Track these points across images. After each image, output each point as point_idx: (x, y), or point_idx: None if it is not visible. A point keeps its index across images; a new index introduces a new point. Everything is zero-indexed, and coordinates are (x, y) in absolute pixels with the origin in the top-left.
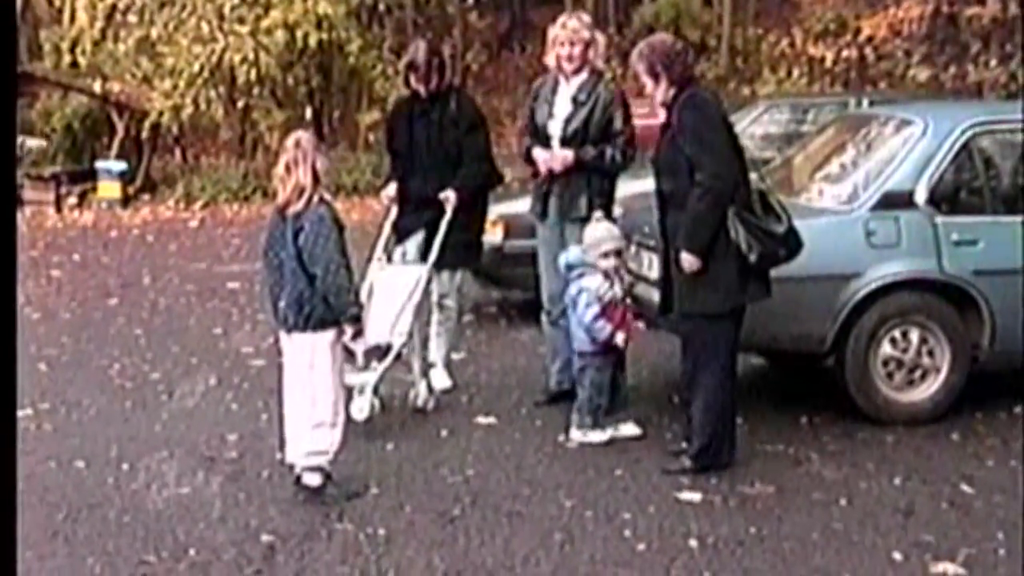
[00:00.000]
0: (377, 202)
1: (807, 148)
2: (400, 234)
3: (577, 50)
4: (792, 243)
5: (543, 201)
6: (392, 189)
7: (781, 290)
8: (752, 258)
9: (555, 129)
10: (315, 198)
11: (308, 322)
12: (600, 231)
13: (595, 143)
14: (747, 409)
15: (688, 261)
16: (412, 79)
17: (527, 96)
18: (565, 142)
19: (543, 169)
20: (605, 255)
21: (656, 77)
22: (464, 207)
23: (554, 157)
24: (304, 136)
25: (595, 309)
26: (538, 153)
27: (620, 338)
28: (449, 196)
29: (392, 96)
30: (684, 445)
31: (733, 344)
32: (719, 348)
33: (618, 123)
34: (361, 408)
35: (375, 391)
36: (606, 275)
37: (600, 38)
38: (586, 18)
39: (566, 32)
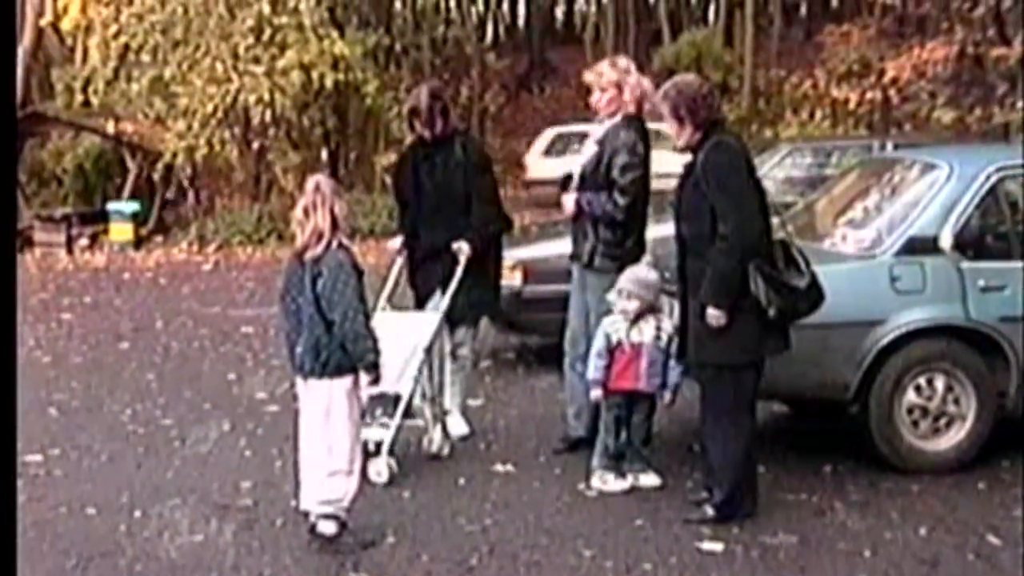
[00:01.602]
0: None
1: (830, 192)
2: (420, 291)
3: (606, 96)
4: (813, 297)
5: (573, 243)
6: (398, 241)
7: (804, 337)
8: (771, 312)
9: (576, 173)
10: (334, 243)
11: (325, 368)
12: (626, 272)
13: (598, 190)
14: (770, 458)
15: (714, 316)
16: (416, 124)
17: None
18: (580, 186)
19: (564, 211)
20: (619, 294)
21: (680, 120)
22: (477, 256)
23: (563, 201)
24: (323, 180)
25: (599, 345)
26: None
27: (620, 383)
28: (462, 247)
29: (408, 138)
30: (705, 494)
31: (751, 395)
32: (736, 399)
33: (615, 172)
34: (379, 472)
35: (391, 451)
36: (625, 316)
37: (633, 82)
38: (623, 62)
39: (598, 80)
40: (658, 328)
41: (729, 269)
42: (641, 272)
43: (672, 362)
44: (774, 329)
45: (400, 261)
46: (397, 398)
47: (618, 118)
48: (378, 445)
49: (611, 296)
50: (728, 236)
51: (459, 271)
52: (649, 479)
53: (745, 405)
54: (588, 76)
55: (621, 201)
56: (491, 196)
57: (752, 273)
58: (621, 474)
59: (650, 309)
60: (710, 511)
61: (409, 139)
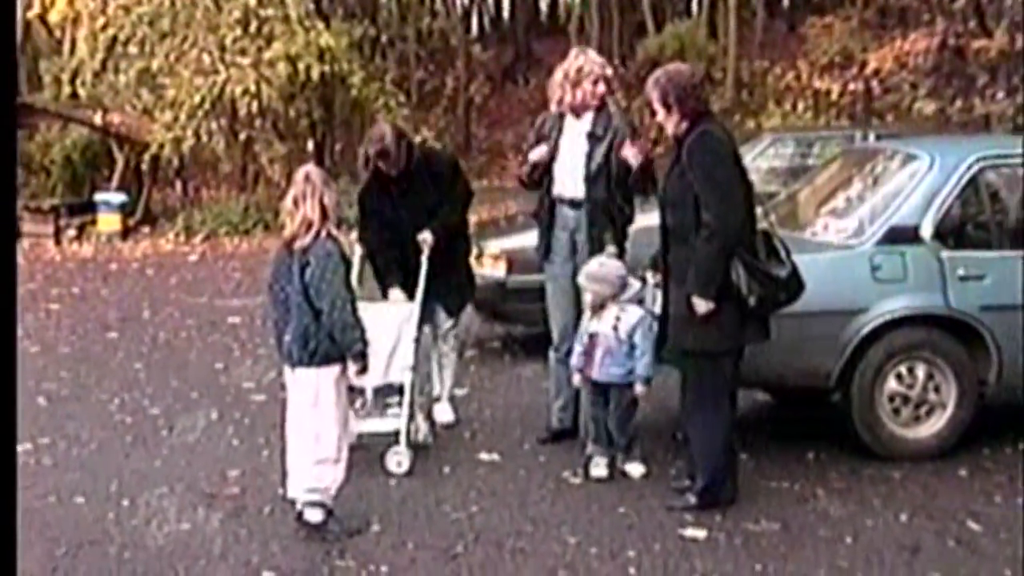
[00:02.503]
0: None
1: (812, 182)
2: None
3: (601, 87)
4: (793, 287)
5: (549, 239)
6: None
7: (786, 326)
8: (751, 301)
9: (571, 166)
10: (323, 233)
11: (313, 357)
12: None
13: (617, 176)
14: (752, 445)
15: (700, 305)
16: (382, 165)
17: (531, 128)
18: (589, 178)
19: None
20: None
21: (668, 108)
22: (447, 247)
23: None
24: (313, 170)
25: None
26: (558, 172)
27: (584, 372)
28: (427, 238)
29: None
30: (688, 482)
31: (731, 383)
32: (715, 387)
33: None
34: (400, 462)
35: (408, 441)
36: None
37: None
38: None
39: (599, 69)
40: (617, 318)
41: (713, 258)
42: (592, 266)
43: (638, 351)
44: (754, 318)
45: (360, 250)
46: (401, 389)
47: (595, 109)
48: (396, 435)
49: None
50: (709, 224)
51: (424, 261)
52: (634, 468)
53: (724, 393)
54: (586, 66)
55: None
56: (464, 198)
57: (733, 262)
58: (610, 461)
59: (612, 299)
60: (692, 499)
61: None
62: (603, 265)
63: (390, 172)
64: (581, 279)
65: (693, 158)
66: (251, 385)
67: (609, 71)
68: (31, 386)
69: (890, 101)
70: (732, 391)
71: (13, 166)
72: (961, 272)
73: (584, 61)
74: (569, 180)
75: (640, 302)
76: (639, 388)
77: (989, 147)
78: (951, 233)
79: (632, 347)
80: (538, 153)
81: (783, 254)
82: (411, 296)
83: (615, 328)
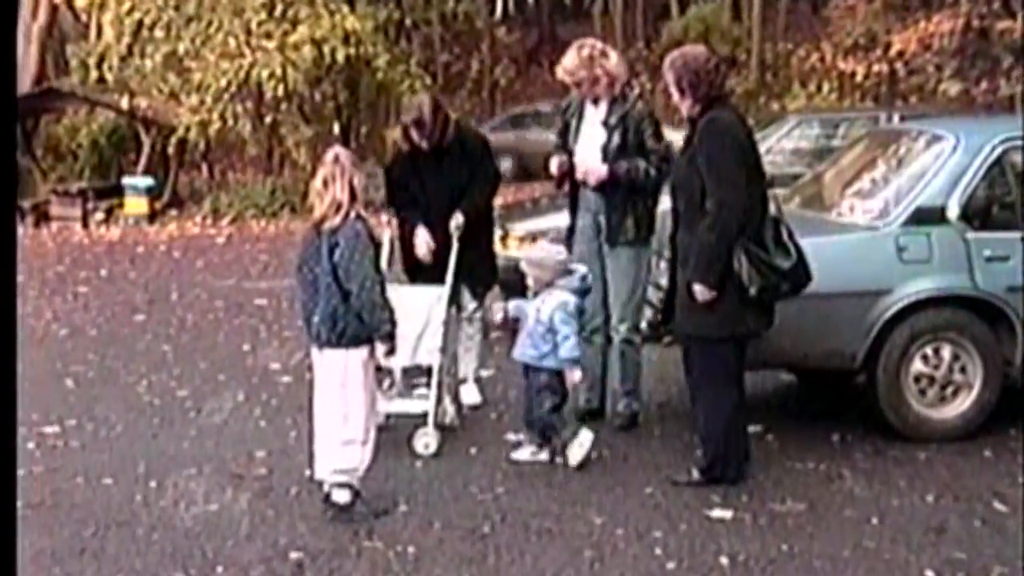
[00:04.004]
0: None
1: (837, 163)
2: (413, 277)
3: (584, 86)
4: (797, 277)
5: (573, 221)
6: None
7: (811, 307)
8: (752, 291)
9: (591, 152)
10: (352, 214)
11: (341, 338)
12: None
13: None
14: (778, 426)
15: (701, 292)
16: (415, 136)
17: (557, 113)
18: (607, 164)
19: (591, 180)
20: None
21: (682, 91)
22: (472, 229)
23: (588, 171)
24: (343, 152)
25: None
26: (578, 162)
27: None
28: (459, 222)
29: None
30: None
31: (735, 368)
32: (716, 372)
33: (650, 142)
34: (427, 444)
35: (437, 424)
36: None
37: (610, 64)
38: (585, 51)
39: (597, 71)
40: (542, 301)
41: (713, 246)
42: (533, 251)
43: (560, 336)
44: (756, 307)
45: (389, 232)
46: (429, 370)
47: (611, 97)
48: (424, 416)
49: None
50: (711, 210)
51: (455, 243)
52: (522, 453)
53: (725, 377)
54: (586, 72)
55: (664, 167)
56: (491, 178)
57: (736, 251)
58: (538, 443)
59: (551, 284)
60: (696, 474)
61: (402, 145)
62: (543, 250)
63: (422, 144)
64: (522, 263)
65: (701, 144)
66: (278, 367)
67: (611, 62)
68: (59, 368)
69: (915, 83)
70: (737, 376)
71: (12, 153)
72: (987, 253)
73: (582, 63)
74: (589, 165)
75: (585, 292)
76: (572, 374)
77: (1014, 128)
78: (977, 214)
79: (550, 330)
80: (557, 165)
81: (790, 245)
82: (439, 280)
83: (537, 310)
